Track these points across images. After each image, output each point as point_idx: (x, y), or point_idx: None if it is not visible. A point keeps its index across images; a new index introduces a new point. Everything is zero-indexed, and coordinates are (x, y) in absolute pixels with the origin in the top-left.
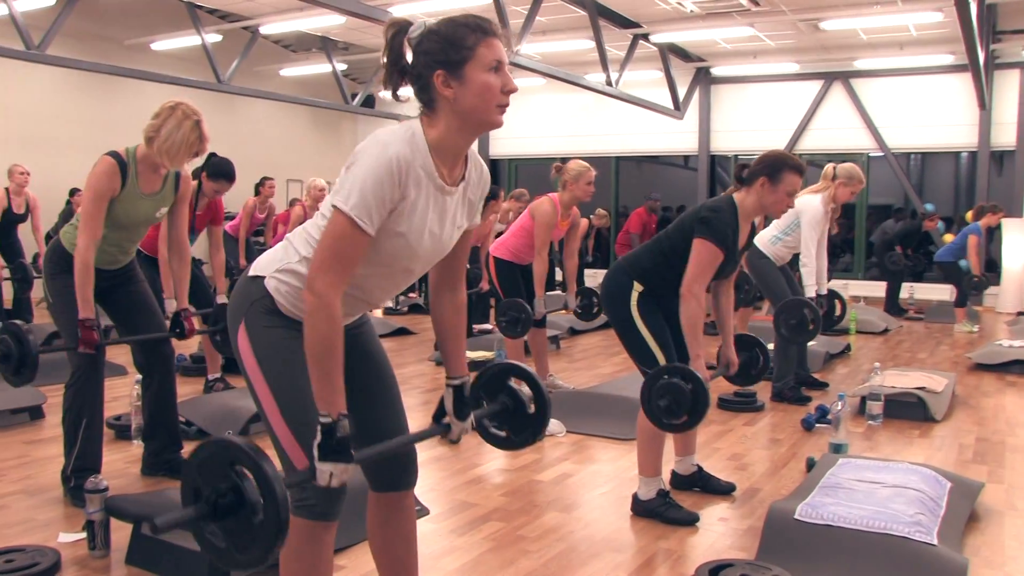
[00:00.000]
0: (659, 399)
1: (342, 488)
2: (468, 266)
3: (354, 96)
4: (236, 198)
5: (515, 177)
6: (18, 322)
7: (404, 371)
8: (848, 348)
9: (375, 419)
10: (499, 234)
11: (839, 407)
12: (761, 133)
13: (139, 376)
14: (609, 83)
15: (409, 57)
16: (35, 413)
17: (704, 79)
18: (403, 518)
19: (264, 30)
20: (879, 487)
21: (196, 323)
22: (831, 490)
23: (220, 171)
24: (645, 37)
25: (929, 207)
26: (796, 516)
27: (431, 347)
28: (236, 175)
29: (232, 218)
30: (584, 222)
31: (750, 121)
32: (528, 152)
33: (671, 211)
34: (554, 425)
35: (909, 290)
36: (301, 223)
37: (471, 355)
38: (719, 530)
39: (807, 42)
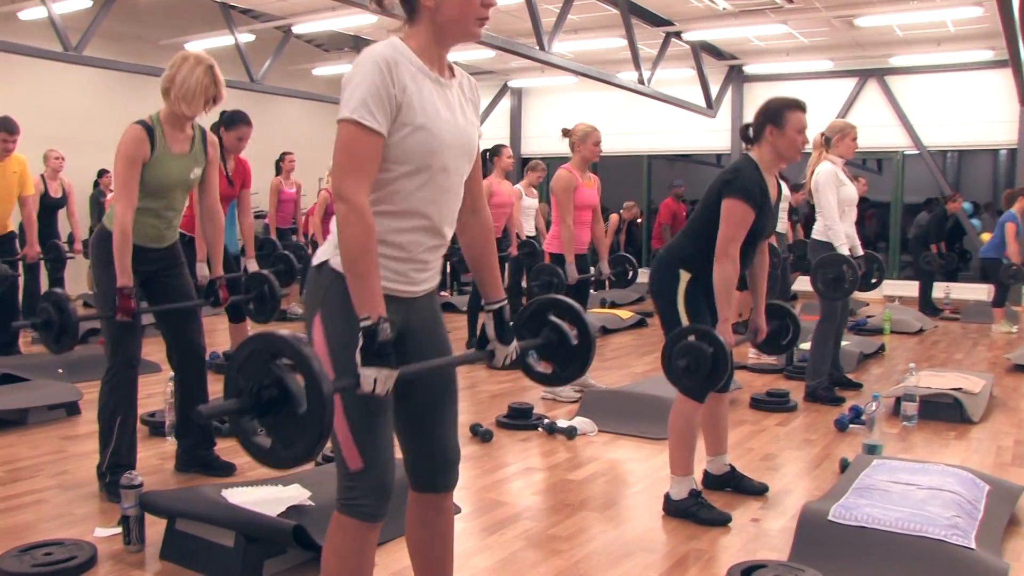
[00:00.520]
0: (679, 358)
1: (390, 492)
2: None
3: None
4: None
5: (548, 176)
6: (59, 290)
7: None
8: (882, 348)
9: (433, 426)
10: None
11: (873, 408)
12: None
13: (172, 373)
14: (641, 81)
15: None
16: (71, 409)
17: (737, 77)
18: (442, 519)
19: (297, 30)
20: (914, 489)
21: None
22: (865, 491)
23: (234, 117)
24: (677, 35)
25: (967, 206)
26: (830, 517)
27: (463, 346)
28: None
29: (264, 215)
30: (614, 217)
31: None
32: (560, 151)
33: (697, 200)
34: (586, 424)
35: (945, 290)
36: (327, 206)
37: None
38: (751, 531)
39: (841, 39)
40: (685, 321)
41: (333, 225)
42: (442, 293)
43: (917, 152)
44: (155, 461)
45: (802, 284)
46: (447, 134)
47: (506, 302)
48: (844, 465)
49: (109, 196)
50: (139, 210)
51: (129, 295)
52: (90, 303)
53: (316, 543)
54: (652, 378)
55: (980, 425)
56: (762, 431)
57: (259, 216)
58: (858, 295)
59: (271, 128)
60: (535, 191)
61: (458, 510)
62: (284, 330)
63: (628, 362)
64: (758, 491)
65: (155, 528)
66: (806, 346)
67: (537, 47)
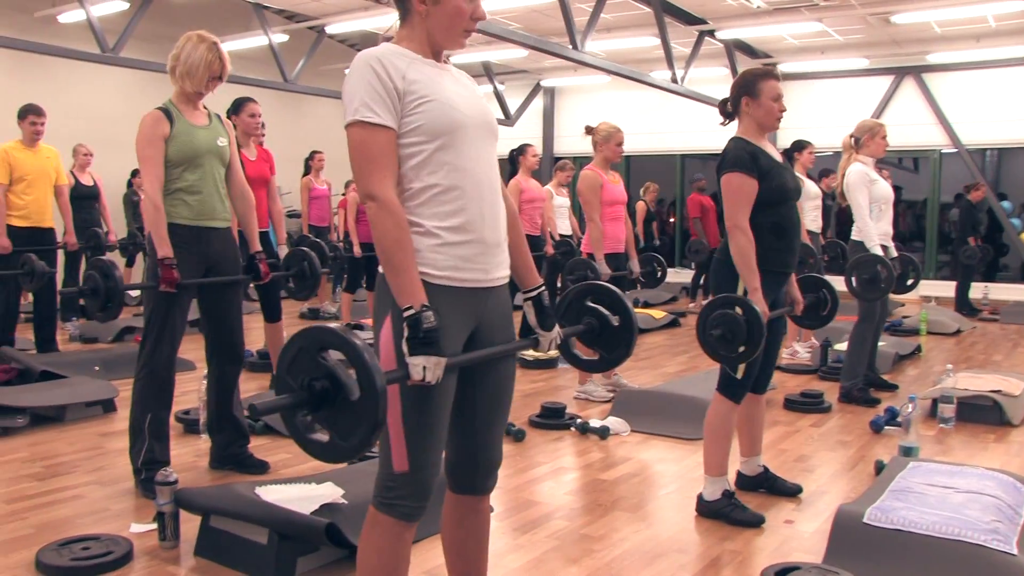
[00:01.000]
0: (713, 328)
1: (430, 494)
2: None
3: None
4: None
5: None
6: (106, 258)
7: None
8: (918, 349)
9: (480, 432)
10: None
11: (910, 409)
12: (828, 129)
13: (206, 371)
14: (675, 80)
15: None
16: (108, 406)
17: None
18: (478, 520)
19: (330, 30)
20: (952, 492)
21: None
22: (901, 494)
23: (238, 100)
24: (711, 34)
25: (1007, 205)
26: (865, 520)
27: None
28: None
29: (296, 215)
30: (641, 205)
31: (817, 118)
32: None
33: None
34: (619, 424)
35: (983, 290)
36: (357, 204)
37: (532, 353)
38: (785, 532)
39: (877, 36)
40: None
41: None
42: None
43: (955, 150)
44: (189, 458)
45: (837, 284)
46: (462, 104)
47: (544, 287)
48: (879, 467)
49: (143, 195)
50: (184, 188)
51: (171, 265)
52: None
53: (349, 541)
54: (685, 378)
55: (1020, 428)
56: (796, 432)
57: (293, 216)
58: (893, 296)
59: (304, 127)
60: (565, 190)
61: (491, 510)
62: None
63: (661, 362)
64: (792, 492)
65: (190, 525)
66: (841, 347)
67: (570, 46)
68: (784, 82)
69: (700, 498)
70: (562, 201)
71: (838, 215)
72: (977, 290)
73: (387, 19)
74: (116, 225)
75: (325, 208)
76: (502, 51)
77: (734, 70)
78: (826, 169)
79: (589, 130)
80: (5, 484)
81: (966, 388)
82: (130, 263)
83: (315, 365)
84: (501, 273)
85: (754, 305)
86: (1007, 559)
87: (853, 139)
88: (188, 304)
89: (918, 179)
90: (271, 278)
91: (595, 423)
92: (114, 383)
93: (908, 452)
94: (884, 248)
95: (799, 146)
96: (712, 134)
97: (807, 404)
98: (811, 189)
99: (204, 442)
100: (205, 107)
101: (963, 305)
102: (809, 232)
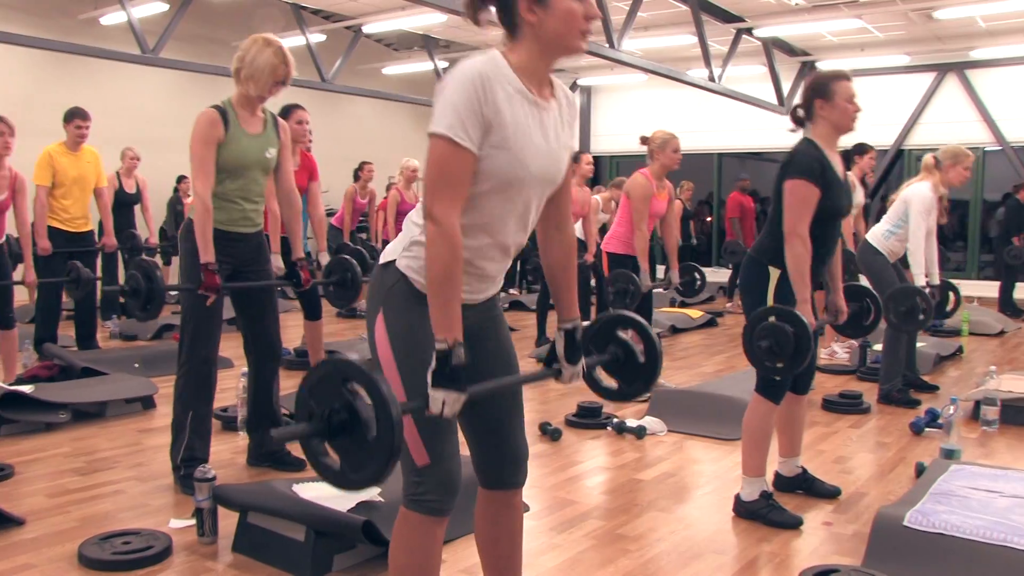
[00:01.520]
0: (760, 340)
1: (457, 487)
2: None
3: None
4: (337, 188)
5: (616, 174)
6: (147, 259)
7: None
8: (960, 350)
9: (502, 424)
10: (604, 228)
11: (951, 411)
12: (869, 127)
13: (245, 369)
14: (712, 79)
15: None
16: (147, 403)
17: (809, 73)
18: (511, 516)
19: (367, 29)
20: (996, 496)
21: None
22: (943, 497)
23: (287, 107)
24: (749, 31)
25: None
26: (905, 523)
27: (532, 344)
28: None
29: (334, 213)
30: (678, 204)
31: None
32: (629, 149)
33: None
34: (655, 424)
35: None
36: (397, 203)
37: None
38: (823, 534)
39: (919, 33)
40: None
41: (405, 226)
42: (511, 291)
43: (999, 148)
44: (227, 455)
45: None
46: (535, 161)
47: (579, 322)
48: (920, 469)
49: (188, 200)
50: (220, 194)
51: (213, 270)
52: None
53: (385, 539)
54: (723, 378)
55: None
56: (834, 433)
57: (330, 214)
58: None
59: (342, 127)
60: (612, 206)
61: (527, 508)
62: (354, 354)
63: (698, 361)
64: (830, 494)
65: (228, 521)
66: (880, 347)
67: (607, 45)
68: None
69: (737, 499)
70: (604, 217)
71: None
72: (1021, 290)
73: (424, 18)
74: (157, 228)
75: (357, 216)
76: None
77: (772, 68)
78: (861, 146)
79: (644, 140)
80: (48, 478)
81: (1010, 390)
82: (167, 262)
83: (336, 395)
84: (489, 293)
85: (803, 318)
86: None
87: (935, 159)
88: (222, 302)
89: None
90: (311, 283)
91: (631, 423)
92: (153, 380)
93: (950, 455)
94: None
95: (861, 150)
96: (749, 132)
97: (846, 405)
98: (859, 199)
99: (242, 439)
100: (263, 110)
101: (1007, 306)
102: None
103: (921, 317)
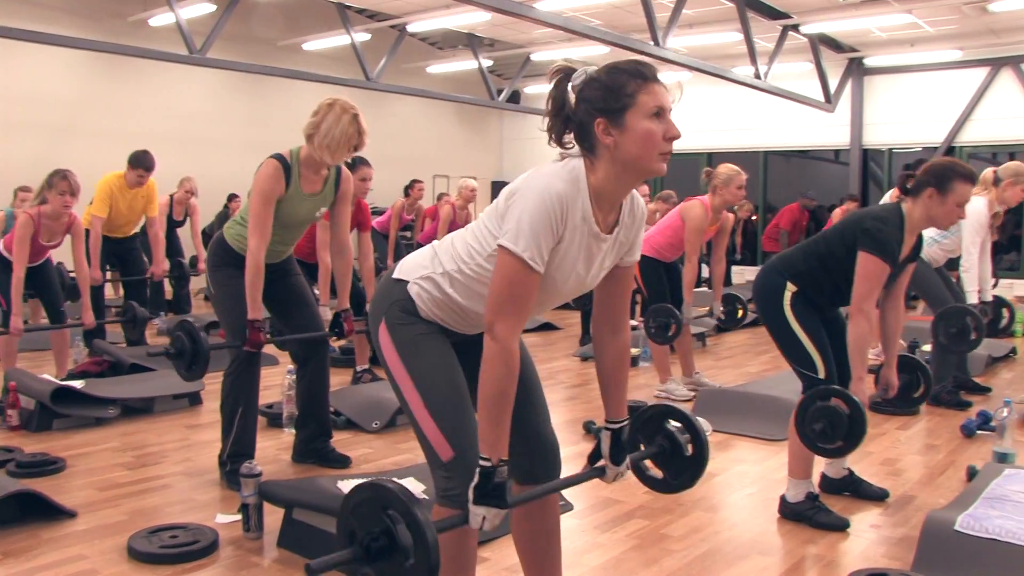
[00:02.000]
0: (814, 422)
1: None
2: None
3: (500, 92)
4: (385, 194)
5: (661, 176)
6: (191, 319)
7: (550, 366)
8: (1013, 351)
9: (522, 415)
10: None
11: (1004, 413)
12: (918, 125)
13: (291, 366)
14: (758, 76)
15: (572, 104)
16: (194, 399)
17: (857, 70)
18: (547, 513)
19: (411, 28)
20: None
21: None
22: (996, 502)
23: (356, 160)
24: (795, 28)
25: None
26: (957, 527)
27: (576, 343)
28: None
29: (381, 213)
30: (730, 216)
31: (906, 113)
32: (674, 148)
33: (821, 208)
34: (701, 423)
35: None
36: (450, 222)
37: None
38: (870, 537)
39: (972, 26)
40: (802, 335)
41: (430, 253)
42: None
43: None
44: (273, 451)
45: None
46: (567, 287)
47: (627, 423)
48: (972, 473)
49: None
50: None
51: (259, 328)
52: (208, 298)
53: None
54: (768, 378)
55: None
56: (882, 435)
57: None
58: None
59: (387, 126)
60: (657, 217)
61: (570, 507)
62: (394, 481)
63: (743, 361)
64: (878, 496)
65: (273, 516)
66: (929, 347)
67: (651, 43)
68: (869, 76)
69: (783, 500)
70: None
71: None
72: None
73: (468, 17)
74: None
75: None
76: (583, 48)
77: (819, 65)
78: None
79: (708, 174)
80: (99, 472)
81: None
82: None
83: (376, 520)
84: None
85: (858, 400)
86: None
87: (995, 175)
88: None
89: None
90: (353, 333)
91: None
92: None
93: (1003, 458)
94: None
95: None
96: (795, 130)
97: (894, 406)
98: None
99: (287, 435)
100: (328, 168)
101: None
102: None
103: (972, 337)
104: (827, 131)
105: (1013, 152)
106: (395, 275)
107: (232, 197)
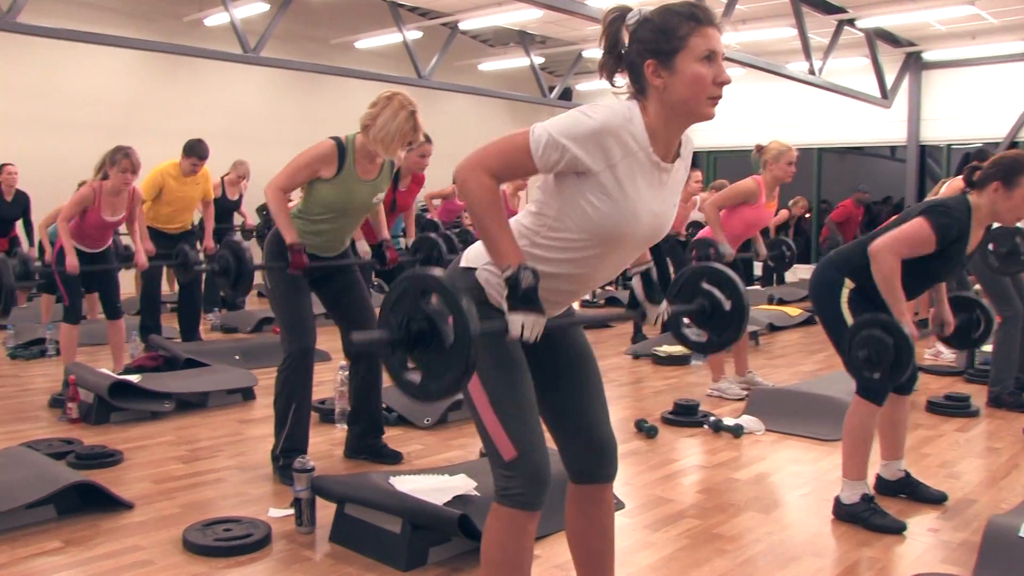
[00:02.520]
0: (859, 350)
1: (547, 479)
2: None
3: (551, 89)
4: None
5: (713, 170)
6: (237, 239)
7: (602, 364)
8: None
9: (582, 412)
10: (692, 223)
11: None
12: (978, 121)
13: (343, 363)
14: (812, 72)
15: (625, 44)
16: (247, 394)
17: (914, 65)
18: (601, 511)
19: (463, 25)
20: None
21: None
22: None
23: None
24: (851, 22)
25: None
26: (1021, 534)
27: (628, 340)
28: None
29: (425, 212)
30: (783, 212)
31: (966, 108)
32: (727, 144)
33: (876, 203)
34: (753, 423)
35: None
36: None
37: (666, 349)
38: (928, 541)
39: None
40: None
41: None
42: (607, 287)
43: None
44: (325, 447)
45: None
46: (647, 220)
47: (652, 264)
48: None
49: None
50: (319, 221)
51: (299, 250)
52: (264, 294)
53: (480, 532)
54: (822, 377)
55: None
56: (940, 436)
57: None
58: None
59: (438, 123)
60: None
61: (621, 506)
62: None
63: (796, 360)
64: (936, 499)
65: (325, 511)
66: (989, 348)
67: None
68: (928, 71)
69: (837, 501)
70: (698, 216)
71: None
72: None
73: (520, 14)
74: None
75: (453, 214)
76: None
77: (875, 60)
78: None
79: (759, 149)
80: (154, 465)
81: None
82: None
83: (416, 307)
84: (570, 310)
85: (904, 329)
86: None
87: None
88: (309, 297)
89: None
90: (398, 263)
91: (729, 421)
92: (253, 372)
93: None
94: None
95: None
96: (851, 127)
97: (952, 407)
98: None
99: (340, 431)
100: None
101: None
102: None
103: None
104: (883, 127)
105: None
106: (462, 264)
107: None
